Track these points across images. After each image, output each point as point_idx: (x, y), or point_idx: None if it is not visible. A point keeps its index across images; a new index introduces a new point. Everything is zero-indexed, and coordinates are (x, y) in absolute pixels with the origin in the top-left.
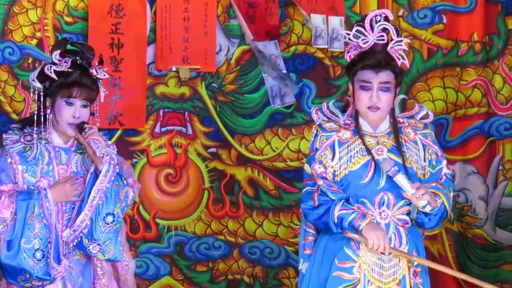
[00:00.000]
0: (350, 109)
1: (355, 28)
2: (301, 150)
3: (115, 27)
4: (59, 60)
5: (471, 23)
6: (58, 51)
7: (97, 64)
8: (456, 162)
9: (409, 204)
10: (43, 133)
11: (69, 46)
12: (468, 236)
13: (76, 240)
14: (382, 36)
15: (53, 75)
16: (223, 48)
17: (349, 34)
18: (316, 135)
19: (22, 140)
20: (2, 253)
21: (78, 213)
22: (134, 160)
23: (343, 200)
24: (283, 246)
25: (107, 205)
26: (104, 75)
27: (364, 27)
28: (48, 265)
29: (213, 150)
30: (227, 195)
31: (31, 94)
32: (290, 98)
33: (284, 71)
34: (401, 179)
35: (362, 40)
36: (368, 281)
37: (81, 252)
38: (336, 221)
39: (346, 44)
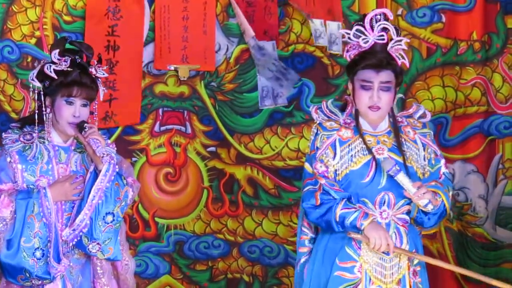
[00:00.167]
0: (349, 108)
1: (355, 28)
2: (300, 149)
3: (112, 29)
4: (58, 59)
5: (470, 22)
6: (57, 50)
7: (96, 63)
8: (456, 161)
9: (409, 203)
10: (42, 132)
11: (68, 45)
12: (468, 234)
13: (75, 239)
14: (382, 35)
15: (53, 74)
16: (222, 47)
17: (348, 34)
18: (316, 134)
19: (21, 139)
20: (2, 252)
21: (78, 212)
22: (134, 159)
23: (345, 199)
24: (282, 245)
25: (107, 205)
26: (103, 74)
27: (364, 27)
28: (47, 264)
29: (212, 149)
30: (227, 194)
31: (31, 93)
32: (282, 100)
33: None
34: (402, 178)
35: (363, 39)
36: (370, 280)
37: (81, 251)
38: (338, 220)
39: (345, 43)
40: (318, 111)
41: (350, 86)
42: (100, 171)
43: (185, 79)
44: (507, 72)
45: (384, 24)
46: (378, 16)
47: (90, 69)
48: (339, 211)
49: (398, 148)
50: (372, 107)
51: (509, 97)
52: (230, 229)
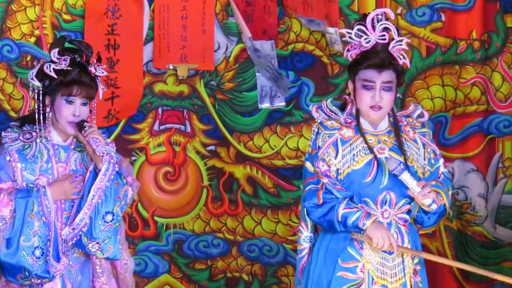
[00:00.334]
0: (349, 107)
1: (356, 27)
2: (300, 148)
3: (111, 28)
4: (58, 58)
5: (470, 21)
6: (57, 49)
7: (95, 61)
8: (456, 159)
9: (410, 203)
10: (42, 131)
11: (67, 44)
12: (467, 233)
13: (75, 238)
14: (384, 35)
15: (53, 74)
16: (221, 46)
17: (349, 33)
18: (317, 133)
19: (21, 138)
20: (1, 251)
21: (77, 211)
22: (133, 158)
23: (347, 199)
24: (281, 244)
25: (107, 204)
26: (103, 73)
27: (365, 26)
28: (47, 263)
29: (211, 148)
30: (226, 193)
31: (30, 93)
32: (280, 100)
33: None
34: (406, 178)
35: (365, 39)
36: (372, 280)
37: (80, 250)
38: (340, 219)
39: (345, 43)
40: (318, 110)
41: (350, 86)
42: (99, 170)
43: (184, 78)
44: (506, 71)
45: (386, 24)
46: (380, 16)
47: (89, 68)
48: (341, 210)
49: (399, 147)
50: (374, 106)
51: (508, 96)
52: (230, 228)
